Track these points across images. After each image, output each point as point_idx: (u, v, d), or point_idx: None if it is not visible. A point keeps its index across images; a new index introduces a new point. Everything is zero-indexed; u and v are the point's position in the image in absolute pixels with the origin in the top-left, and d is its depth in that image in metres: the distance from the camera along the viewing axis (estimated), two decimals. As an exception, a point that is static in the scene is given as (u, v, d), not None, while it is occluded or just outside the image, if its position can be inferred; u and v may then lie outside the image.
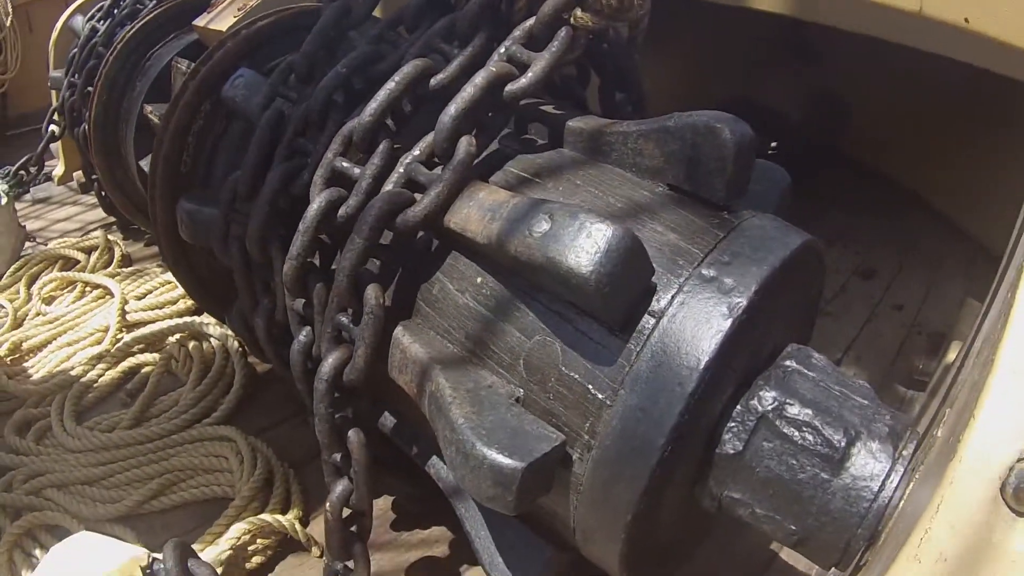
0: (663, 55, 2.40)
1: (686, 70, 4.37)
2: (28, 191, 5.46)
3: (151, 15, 3.77)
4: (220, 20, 3.18)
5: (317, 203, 1.88)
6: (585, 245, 1.47)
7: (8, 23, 7.79)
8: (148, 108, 3.35)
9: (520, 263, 1.58)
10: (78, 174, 5.36)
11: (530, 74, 1.89)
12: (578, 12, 1.93)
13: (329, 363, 1.85)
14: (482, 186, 1.78)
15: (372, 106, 1.89)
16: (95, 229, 5.09)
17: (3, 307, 4.25)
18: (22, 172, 4.94)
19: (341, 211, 1.87)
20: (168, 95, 3.42)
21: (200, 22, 3.30)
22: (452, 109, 1.81)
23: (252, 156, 2.16)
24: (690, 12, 3.18)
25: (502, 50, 1.95)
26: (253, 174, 2.16)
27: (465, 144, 1.80)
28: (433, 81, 1.96)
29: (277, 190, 2.05)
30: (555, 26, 1.94)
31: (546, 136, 2.04)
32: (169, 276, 3.97)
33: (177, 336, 3.61)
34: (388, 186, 1.84)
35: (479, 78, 1.85)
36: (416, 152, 1.85)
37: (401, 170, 1.84)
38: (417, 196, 1.79)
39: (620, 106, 2.32)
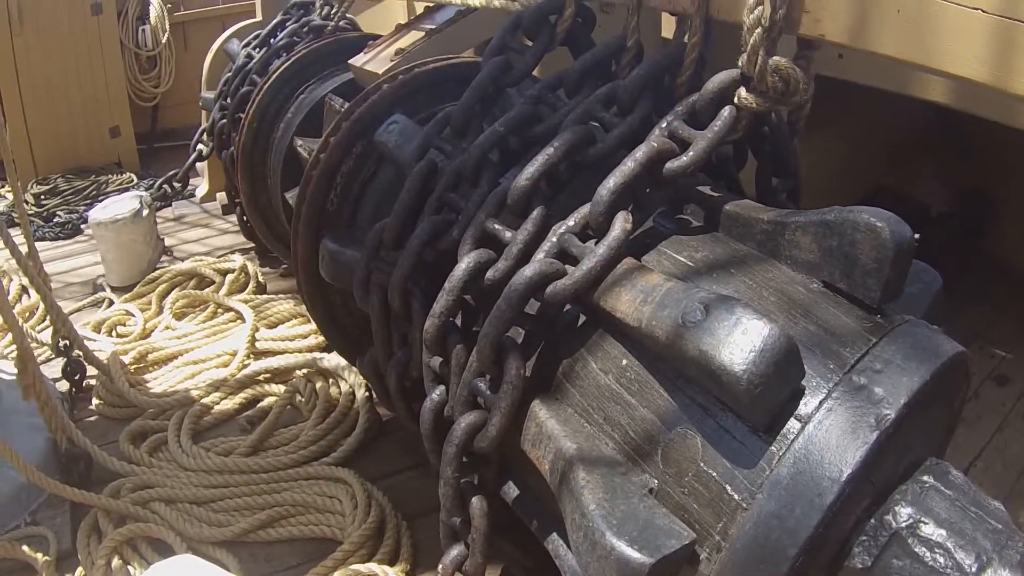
0: (812, 138, 2.35)
1: (834, 155, 4.27)
2: (170, 205, 5.63)
3: (307, 49, 3.86)
4: (377, 62, 3.23)
5: (465, 263, 1.86)
6: (740, 342, 1.42)
7: (164, 39, 8.11)
8: (298, 141, 3.42)
9: (670, 351, 1.53)
10: (221, 195, 5.50)
11: (691, 153, 1.85)
12: (743, 92, 1.89)
13: (461, 427, 1.82)
14: (635, 265, 1.74)
15: (529, 170, 1.87)
16: (230, 253, 5.21)
17: (134, 316, 4.38)
18: (166, 187, 5.09)
19: (489, 274, 1.85)
20: (319, 130, 3.48)
21: (356, 62, 3.36)
22: (611, 183, 1.78)
23: (402, 205, 2.17)
24: (845, 97, 3.10)
25: (663, 124, 1.92)
26: (401, 223, 2.17)
27: (621, 220, 1.76)
28: (592, 150, 1.94)
29: (425, 243, 2.05)
30: (719, 105, 1.90)
31: (701, 217, 1.99)
32: (302, 309, 4.04)
33: (304, 371, 3.65)
34: (539, 255, 1.81)
35: (640, 153, 1.82)
36: (571, 223, 1.83)
37: (554, 239, 1.82)
38: (568, 268, 1.76)
39: (775, 191, 2.26)
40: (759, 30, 1.82)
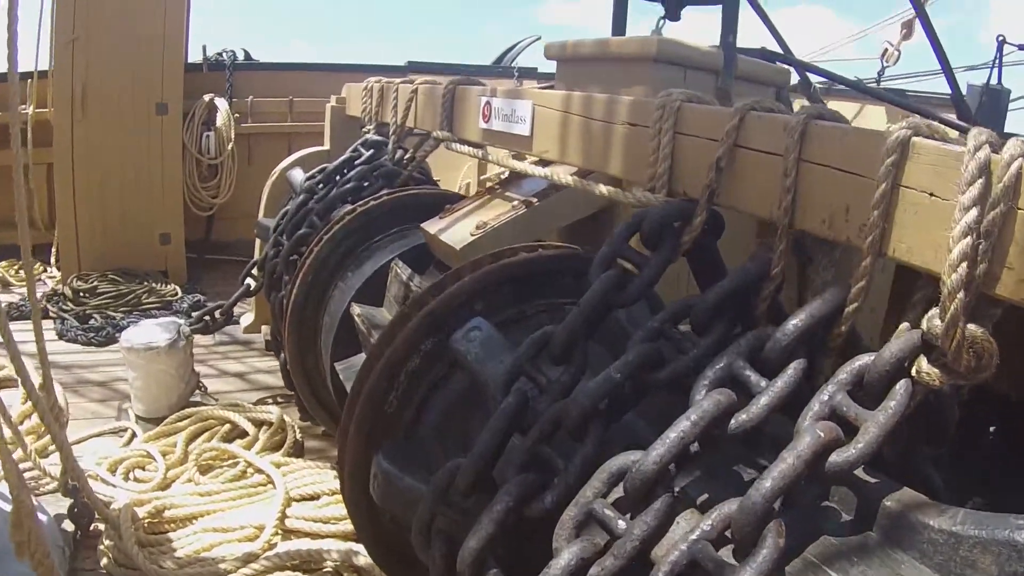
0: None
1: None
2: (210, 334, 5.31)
3: (377, 201, 3.55)
4: (454, 233, 2.89)
5: (566, 559, 1.46)
6: None
7: (229, 149, 7.95)
8: (357, 310, 3.06)
9: None
10: (265, 329, 5.19)
11: (861, 444, 1.44)
12: (924, 364, 1.50)
13: None
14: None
15: (657, 452, 1.47)
16: (270, 398, 4.88)
17: (155, 461, 4.00)
18: (207, 318, 4.78)
19: (594, 571, 1.44)
20: (380, 296, 3.14)
21: (431, 228, 3.02)
22: (766, 488, 1.37)
23: (482, 447, 1.78)
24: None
25: (824, 397, 1.53)
26: (480, 469, 1.77)
27: (774, 535, 1.35)
28: (734, 423, 1.55)
29: (510, 509, 1.64)
30: (894, 378, 1.51)
31: (851, 505, 1.58)
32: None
33: (336, 562, 3.22)
34: (664, 568, 1.39)
35: (803, 446, 1.41)
36: (706, 527, 1.41)
37: (683, 548, 1.40)
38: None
39: (922, 460, 1.84)
40: (962, 293, 1.45)
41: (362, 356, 3.13)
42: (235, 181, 8.04)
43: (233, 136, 7.99)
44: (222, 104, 8.08)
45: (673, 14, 3.49)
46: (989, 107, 7.04)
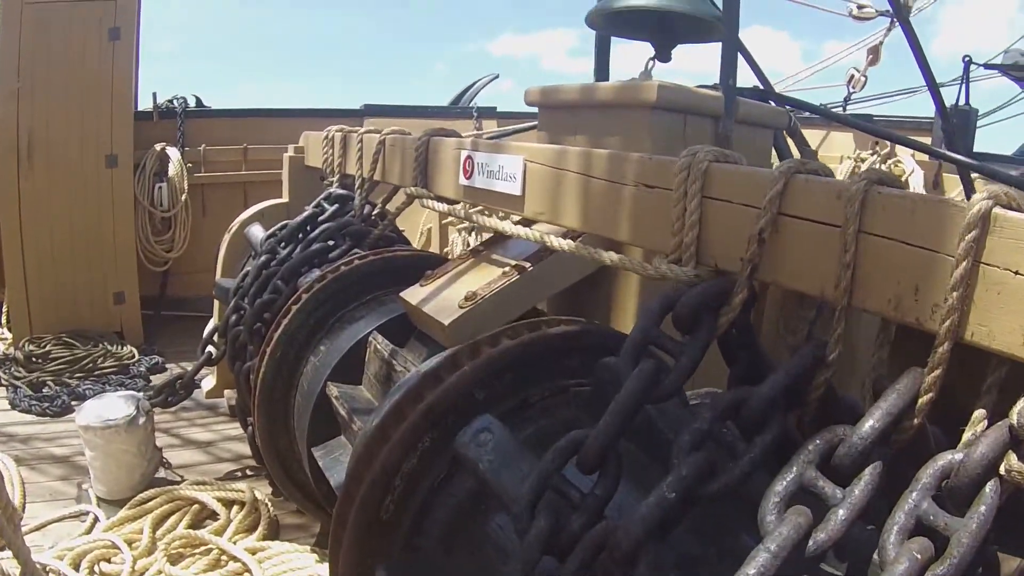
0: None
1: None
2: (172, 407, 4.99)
3: (348, 266, 3.28)
4: (440, 305, 2.63)
5: None
6: None
7: (182, 200, 7.64)
8: (334, 392, 2.79)
9: None
10: (229, 393, 4.89)
11: (956, 559, 1.23)
12: (1013, 461, 1.30)
13: None
14: None
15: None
16: (240, 471, 4.57)
17: (120, 552, 3.69)
18: (168, 391, 4.47)
19: None
20: (358, 374, 2.88)
21: (412, 298, 2.77)
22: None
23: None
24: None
25: (909, 506, 1.31)
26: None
27: None
28: (812, 544, 1.32)
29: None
30: (983, 480, 1.30)
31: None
32: (323, 570, 3.33)
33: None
34: None
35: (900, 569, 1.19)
36: None
37: None
38: None
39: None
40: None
41: (341, 440, 2.87)
42: (189, 234, 7.71)
43: (186, 187, 7.66)
44: (174, 153, 7.76)
45: (664, 54, 3.25)
46: (959, 128, 6.96)
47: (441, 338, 2.58)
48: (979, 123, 7.64)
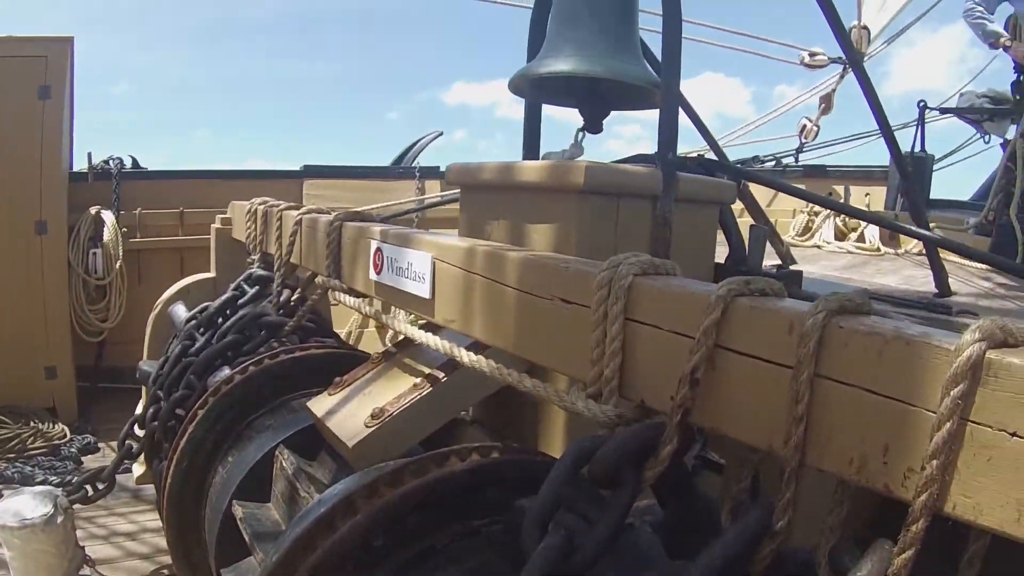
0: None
1: None
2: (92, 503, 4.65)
3: (257, 367, 2.99)
4: (345, 422, 2.35)
5: None
6: None
7: (117, 267, 7.31)
8: (239, 512, 2.50)
9: None
10: (157, 482, 4.57)
11: None
12: None
13: None
14: None
15: None
16: (166, 570, 4.27)
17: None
18: (87, 487, 4.14)
19: None
20: (266, 492, 2.58)
21: (318, 409, 2.48)
22: None
23: None
24: None
25: None
26: None
27: None
28: None
29: None
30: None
31: None
32: None
33: None
34: None
35: None
36: None
37: None
38: None
39: None
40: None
41: (252, 563, 2.57)
42: (125, 302, 7.37)
43: (122, 253, 7.34)
44: (109, 217, 7.44)
45: (595, 126, 2.97)
46: (915, 175, 6.79)
47: (347, 458, 2.30)
48: (934, 167, 7.49)
